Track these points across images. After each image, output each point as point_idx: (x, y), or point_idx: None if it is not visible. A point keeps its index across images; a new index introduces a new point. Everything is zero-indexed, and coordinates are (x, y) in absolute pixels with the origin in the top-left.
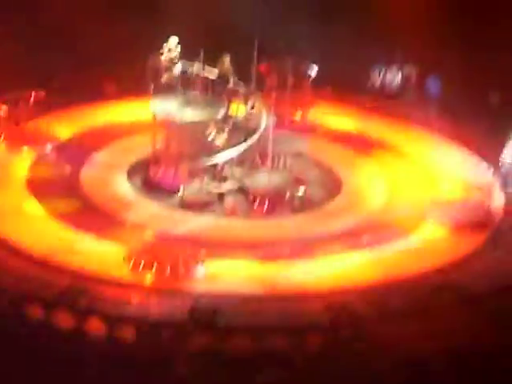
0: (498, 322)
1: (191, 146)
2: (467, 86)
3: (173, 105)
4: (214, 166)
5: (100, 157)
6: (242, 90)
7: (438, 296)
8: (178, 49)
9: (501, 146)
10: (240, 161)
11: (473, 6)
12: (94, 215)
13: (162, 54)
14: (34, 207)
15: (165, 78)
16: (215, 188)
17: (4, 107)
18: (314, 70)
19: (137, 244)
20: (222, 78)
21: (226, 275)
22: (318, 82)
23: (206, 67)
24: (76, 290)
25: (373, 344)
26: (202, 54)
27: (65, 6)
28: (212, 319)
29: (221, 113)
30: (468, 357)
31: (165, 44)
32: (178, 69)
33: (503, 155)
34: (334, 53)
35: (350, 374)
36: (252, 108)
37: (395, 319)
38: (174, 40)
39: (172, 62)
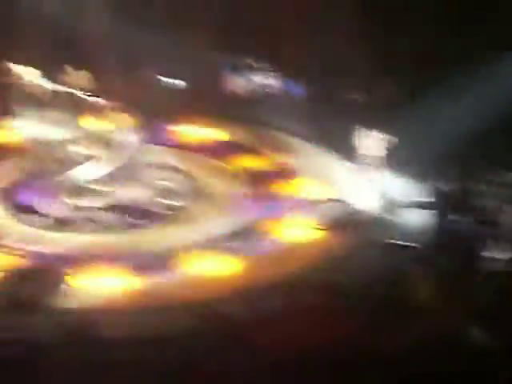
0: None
1: (56, 163)
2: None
3: (30, 123)
4: (83, 182)
5: None
6: (99, 103)
7: (309, 296)
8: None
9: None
10: (109, 176)
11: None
12: None
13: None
14: None
15: (19, 96)
16: (82, 204)
17: None
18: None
19: (7, 266)
20: (80, 92)
21: (94, 290)
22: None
23: (62, 82)
24: None
25: (247, 347)
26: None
27: None
28: (89, 333)
29: (82, 128)
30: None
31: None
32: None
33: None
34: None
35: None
36: (111, 121)
37: (270, 322)
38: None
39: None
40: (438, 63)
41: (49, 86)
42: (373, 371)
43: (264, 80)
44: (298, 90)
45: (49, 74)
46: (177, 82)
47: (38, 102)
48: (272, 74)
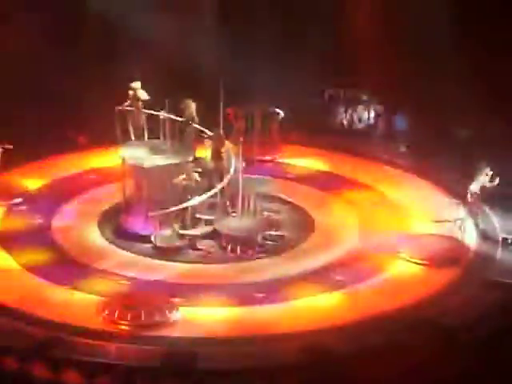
0: (473, 356)
1: (161, 191)
2: (432, 121)
3: (141, 151)
4: (185, 210)
5: (70, 206)
6: (209, 134)
7: (414, 333)
8: (144, 95)
9: (468, 180)
10: (211, 205)
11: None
12: (66, 265)
13: (127, 100)
14: (5, 260)
15: (132, 124)
16: (187, 233)
17: None
18: (280, 113)
19: (110, 293)
20: (188, 124)
21: (201, 320)
22: (285, 124)
23: (172, 112)
24: (51, 341)
25: (352, 382)
26: (167, 102)
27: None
28: (188, 364)
29: (189, 158)
30: None
31: (130, 91)
32: (143, 115)
33: (470, 188)
34: (300, 94)
35: None
36: (221, 152)
37: (371, 357)
38: (137, 85)
39: (138, 109)
40: None
41: (159, 114)
42: None
43: (370, 113)
44: (403, 123)
45: (160, 104)
46: (283, 113)
47: (148, 132)
48: (378, 106)
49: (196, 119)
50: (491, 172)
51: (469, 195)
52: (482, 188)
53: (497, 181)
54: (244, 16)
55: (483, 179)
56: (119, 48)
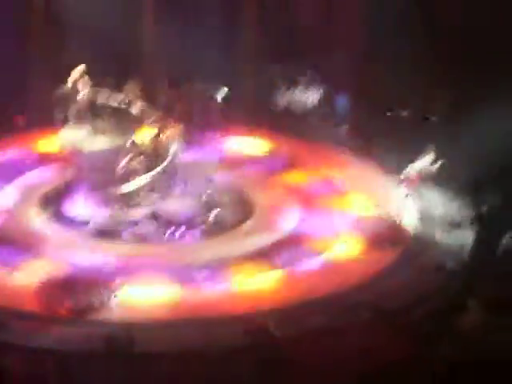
0: (412, 338)
1: (101, 174)
2: (374, 101)
3: (81, 134)
4: (125, 193)
5: (10, 189)
6: (150, 115)
7: (354, 314)
8: (86, 77)
9: (410, 161)
10: (151, 187)
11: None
12: (4, 248)
13: (68, 83)
14: None
15: (72, 107)
16: (127, 215)
17: None
18: (223, 93)
19: (49, 276)
20: (130, 105)
21: (141, 303)
22: (228, 104)
23: (113, 94)
24: None
25: (293, 365)
26: (108, 80)
27: None
28: (127, 347)
29: (129, 140)
30: (386, 372)
31: (72, 72)
32: (84, 97)
33: (411, 168)
34: (242, 74)
35: None
36: (161, 134)
37: (312, 340)
38: (80, 68)
39: (78, 91)
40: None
41: (100, 97)
42: None
43: (312, 93)
44: (345, 103)
45: (100, 86)
46: (225, 94)
47: (89, 112)
48: (320, 87)
49: (138, 99)
50: (434, 155)
51: (406, 176)
52: (425, 169)
53: (438, 164)
54: None
55: (425, 161)
56: (63, 31)
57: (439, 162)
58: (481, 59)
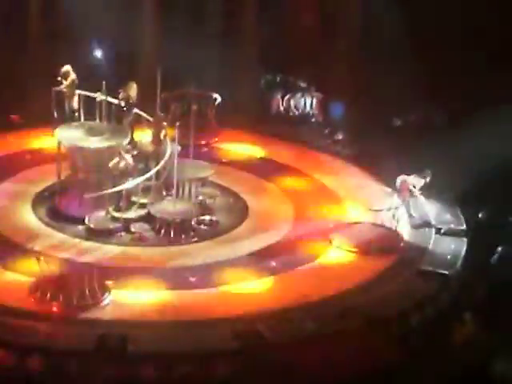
0: (401, 347)
1: (96, 173)
2: (368, 109)
3: (77, 133)
4: (120, 193)
5: (4, 187)
6: (145, 117)
7: (345, 320)
8: (73, 76)
9: (403, 169)
10: (145, 188)
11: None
12: None
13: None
14: None
15: (68, 106)
16: (121, 216)
17: None
18: (217, 98)
19: (43, 274)
20: (126, 106)
21: (134, 303)
22: (223, 109)
23: (110, 95)
24: None
25: (280, 369)
26: (103, 83)
27: None
28: (121, 346)
29: (125, 140)
30: (375, 379)
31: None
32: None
33: (404, 178)
34: (238, 80)
35: None
36: (157, 135)
37: (303, 344)
38: (66, 68)
39: (73, 91)
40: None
41: (97, 97)
42: None
43: (308, 100)
44: (340, 111)
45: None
46: (220, 98)
47: (86, 112)
48: (315, 93)
49: (134, 101)
50: (429, 163)
51: (399, 183)
52: (419, 178)
53: (432, 173)
54: (185, 2)
55: (420, 181)
56: (60, 30)
57: (434, 171)
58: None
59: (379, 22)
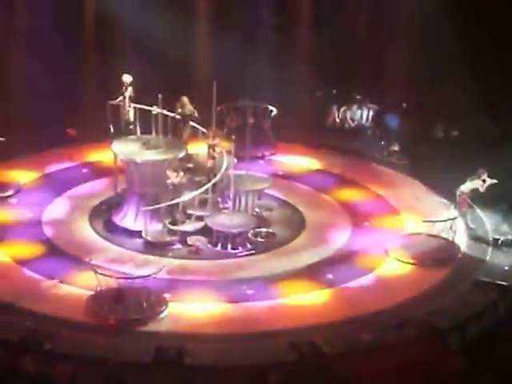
0: (461, 357)
1: (152, 187)
2: (425, 122)
3: (133, 146)
4: (176, 206)
5: (61, 201)
6: (202, 131)
7: (403, 332)
8: (130, 89)
9: (460, 180)
10: (202, 201)
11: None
12: (56, 259)
13: (117, 97)
14: None
15: (124, 120)
16: (178, 229)
17: None
18: (273, 111)
19: (100, 287)
20: (182, 120)
21: (190, 316)
22: (278, 122)
23: (166, 109)
24: (41, 334)
25: (338, 381)
26: (160, 96)
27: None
28: (178, 359)
29: (181, 154)
30: None
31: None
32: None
33: (461, 188)
34: (293, 93)
35: None
36: (213, 149)
37: (360, 356)
38: (126, 78)
39: (129, 105)
40: None
41: (153, 110)
42: None
43: (364, 112)
44: (395, 122)
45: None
46: (276, 111)
47: (142, 125)
48: (371, 106)
49: (191, 115)
50: (487, 176)
51: (458, 195)
52: (475, 190)
53: (489, 184)
54: (238, 14)
55: (477, 182)
56: (114, 44)
57: (491, 182)
58: None
59: (435, 35)
